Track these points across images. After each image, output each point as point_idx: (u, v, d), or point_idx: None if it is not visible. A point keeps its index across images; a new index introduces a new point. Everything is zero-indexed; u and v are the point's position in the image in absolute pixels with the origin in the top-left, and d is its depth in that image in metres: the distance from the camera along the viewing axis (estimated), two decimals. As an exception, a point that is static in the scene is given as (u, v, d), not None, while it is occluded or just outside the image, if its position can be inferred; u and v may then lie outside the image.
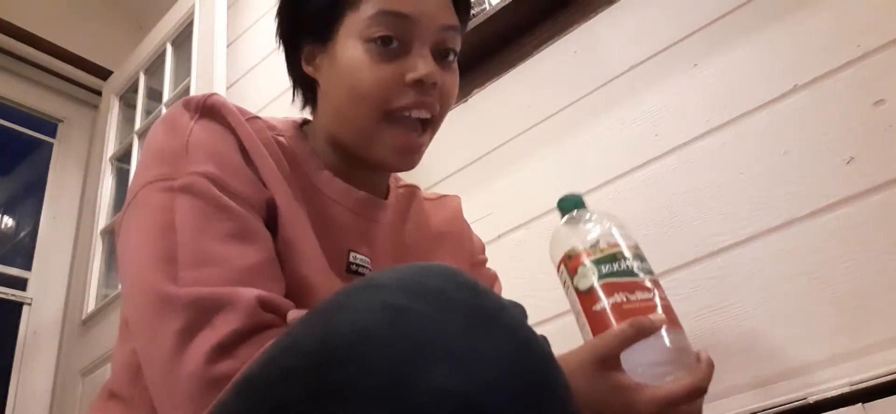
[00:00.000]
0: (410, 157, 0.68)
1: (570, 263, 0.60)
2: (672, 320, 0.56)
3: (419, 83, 0.64)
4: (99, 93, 2.53)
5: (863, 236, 0.95)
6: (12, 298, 2.17)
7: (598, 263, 0.58)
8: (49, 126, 2.49)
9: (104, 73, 2.52)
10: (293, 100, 0.77)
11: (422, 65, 0.64)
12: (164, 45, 2.25)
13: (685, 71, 1.20)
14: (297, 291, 0.58)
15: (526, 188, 1.35)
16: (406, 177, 0.87)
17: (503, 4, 1.40)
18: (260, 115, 0.69)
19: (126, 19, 2.70)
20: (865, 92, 1.00)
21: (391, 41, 0.64)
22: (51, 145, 2.47)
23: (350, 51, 0.65)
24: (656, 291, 0.58)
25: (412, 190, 0.84)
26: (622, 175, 1.22)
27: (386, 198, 0.77)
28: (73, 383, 2.06)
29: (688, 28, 1.22)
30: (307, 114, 0.77)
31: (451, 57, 0.69)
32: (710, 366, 0.55)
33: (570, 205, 0.67)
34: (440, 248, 0.82)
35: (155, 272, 0.52)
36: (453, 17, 0.68)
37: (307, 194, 0.66)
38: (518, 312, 0.40)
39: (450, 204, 0.90)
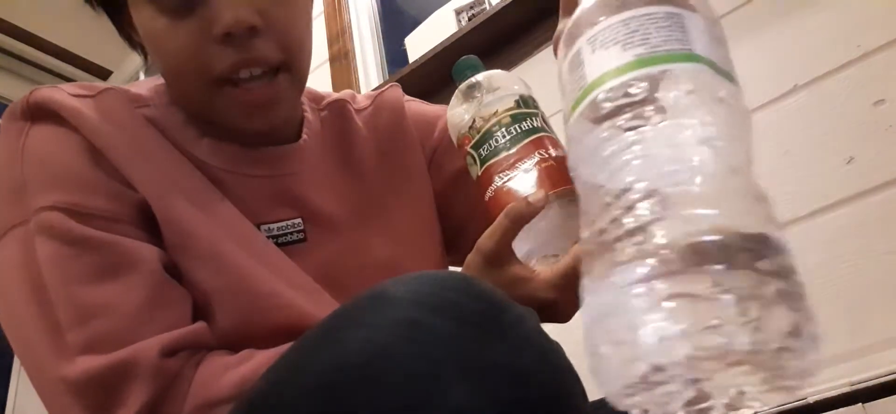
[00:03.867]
0: (265, 112, 0.54)
1: (461, 152, 0.55)
2: (555, 182, 0.48)
3: (228, 36, 0.50)
4: (99, 93, 2.53)
5: (863, 236, 0.95)
6: (12, 297, 2.17)
7: (476, 147, 0.52)
8: (49, 126, 2.50)
9: (104, 73, 2.52)
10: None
11: (225, 10, 0.49)
12: (164, 44, 2.25)
13: (685, 71, 1.20)
14: (205, 295, 0.50)
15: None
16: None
17: (503, 4, 1.40)
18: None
19: (126, 19, 2.70)
20: (865, 92, 1.00)
21: None
22: (51, 145, 2.47)
23: (142, 18, 0.52)
24: (537, 152, 0.50)
25: (339, 106, 0.68)
26: (622, 175, 1.22)
27: (298, 137, 0.62)
28: (73, 383, 2.06)
29: (688, 28, 1.21)
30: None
31: None
32: None
33: (462, 72, 0.59)
34: (383, 174, 0.66)
35: (43, 352, 0.46)
36: None
37: (192, 172, 0.54)
38: (535, 320, 0.39)
39: (386, 104, 0.71)
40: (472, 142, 0.52)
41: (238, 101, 0.52)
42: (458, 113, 0.56)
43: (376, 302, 0.35)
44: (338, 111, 0.68)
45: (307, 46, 0.57)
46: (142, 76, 2.33)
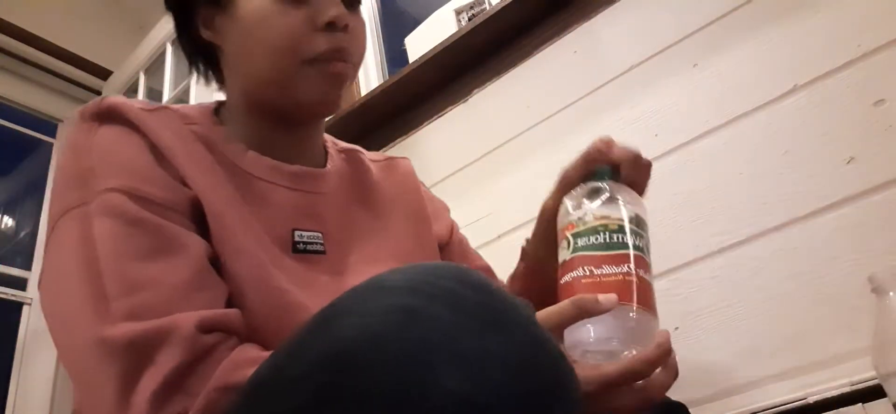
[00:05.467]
0: (335, 86, 0.65)
1: (560, 236, 0.59)
2: (630, 297, 0.52)
3: (331, 25, 0.63)
4: (99, 93, 2.53)
5: (863, 236, 0.95)
6: (12, 298, 2.17)
7: (576, 235, 0.56)
8: (49, 126, 2.49)
9: (104, 73, 2.51)
10: (190, 73, 0.75)
11: (331, 6, 0.63)
12: (164, 45, 2.25)
13: (685, 71, 1.20)
14: (239, 287, 0.56)
15: (526, 188, 1.35)
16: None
17: (503, 4, 1.40)
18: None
19: (126, 19, 2.70)
20: (865, 92, 1.00)
21: None
22: (51, 145, 2.46)
23: (253, 2, 0.63)
24: (627, 266, 0.53)
25: (354, 153, 0.79)
26: (622, 175, 1.22)
27: (324, 166, 0.73)
28: (73, 383, 2.06)
29: (688, 28, 1.21)
30: (213, 93, 0.73)
31: (358, 2, 0.69)
32: (660, 350, 0.49)
33: (598, 175, 0.63)
34: (394, 215, 0.77)
35: (88, 318, 0.49)
36: None
37: (235, 180, 0.62)
38: (529, 310, 0.39)
39: (399, 167, 0.84)
40: (575, 230, 0.56)
41: (324, 73, 0.64)
42: (575, 203, 0.60)
43: (373, 290, 0.36)
44: (354, 156, 0.78)
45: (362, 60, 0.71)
46: (142, 78, 2.33)
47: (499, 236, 1.34)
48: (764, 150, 1.07)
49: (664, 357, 0.50)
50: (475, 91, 1.53)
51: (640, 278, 0.54)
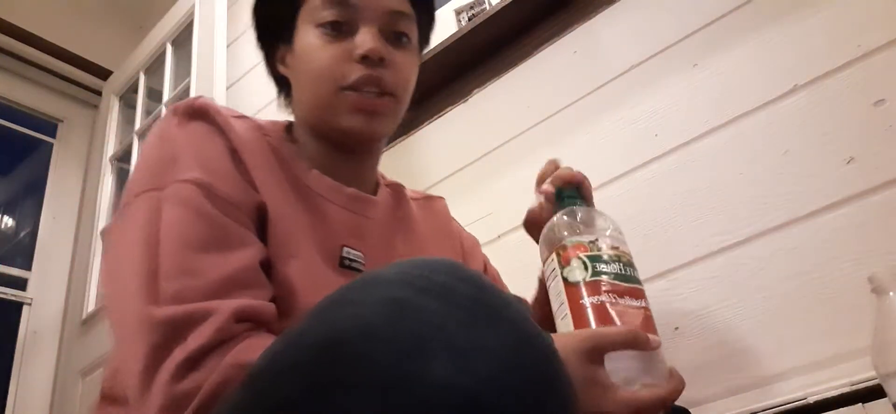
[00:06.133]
0: (368, 116, 0.70)
1: (563, 254, 0.61)
2: (654, 332, 0.57)
3: (365, 58, 0.68)
4: (99, 93, 2.53)
5: (863, 236, 0.95)
6: (12, 298, 2.17)
7: (593, 259, 0.60)
8: (49, 126, 2.49)
9: (104, 73, 2.52)
10: (278, 104, 0.82)
11: (367, 41, 0.69)
12: (164, 45, 2.25)
13: (685, 71, 1.20)
14: (289, 291, 0.59)
15: (526, 188, 1.35)
16: (411, 181, 0.86)
17: (503, 4, 1.40)
18: (254, 116, 0.72)
19: (126, 19, 2.70)
20: (865, 92, 1.00)
21: (339, 25, 0.69)
22: (51, 145, 2.46)
23: (305, 38, 0.71)
24: (643, 301, 0.59)
25: (398, 188, 0.86)
26: (622, 175, 1.22)
27: (375, 194, 0.79)
28: (73, 383, 2.06)
29: (688, 28, 1.22)
30: (291, 115, 0.80)
31: (405, 40, 0.73)
32: (682, 383, 0.56)
33: (570, 198, 0.69)
34: (429, 247, 0.84)
35: (137, 291, 0.53)
36: (402, 3, 0.73)
37: (298, 193, 0.68)
38: (522, 307, 0.40)
39: (436, 206, 0.92)
40: (590, 253, 0.61)
41: (354, 102, 0.69)
42: (572, 224, 0.65)
43: (369, 282, 0.38)
44: (398, 190, 0.85)
45: (409, 90, 0.76)
46: (142, 78, 2.33)
47: (499, 236, 1.34)
48: (764, 150, 1.07)
49: (681, 392, 0.56)
50: (475, 91, 1.53)
51: (651, 313, 0.59)
